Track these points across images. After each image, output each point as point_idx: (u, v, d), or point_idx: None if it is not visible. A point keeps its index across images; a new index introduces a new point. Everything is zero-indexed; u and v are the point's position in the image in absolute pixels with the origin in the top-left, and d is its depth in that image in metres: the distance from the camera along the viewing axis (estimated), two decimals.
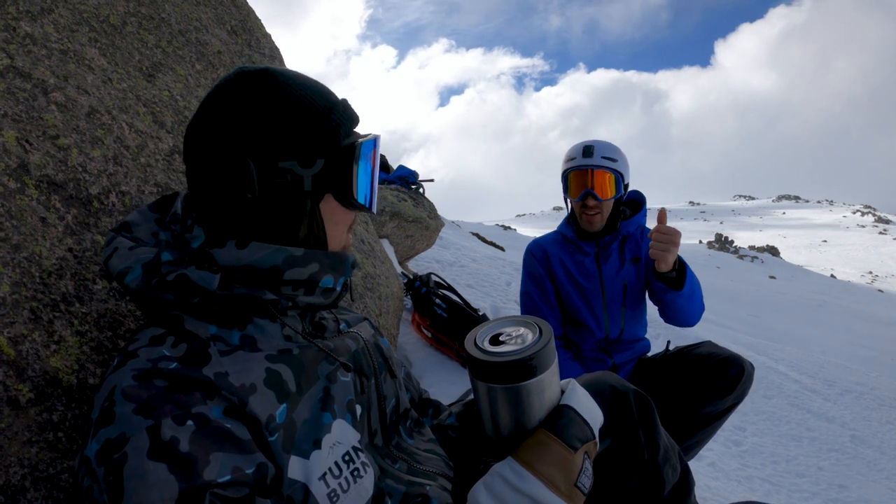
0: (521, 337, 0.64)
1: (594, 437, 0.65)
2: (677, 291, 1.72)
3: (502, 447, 0.64)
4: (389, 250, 3.91)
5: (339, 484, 0.64)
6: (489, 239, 11.14)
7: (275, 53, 2.25)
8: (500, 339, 0.65)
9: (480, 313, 2.58)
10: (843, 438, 3.85)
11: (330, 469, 0.64)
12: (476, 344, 0.64)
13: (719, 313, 12.83)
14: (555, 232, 2.05)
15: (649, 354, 2.02)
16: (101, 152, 1.09)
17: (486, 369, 0.62)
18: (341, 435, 0.68)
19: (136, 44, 1.50)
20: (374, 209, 0.79)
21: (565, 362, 1.82)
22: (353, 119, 0.74)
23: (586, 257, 1.93)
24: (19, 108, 1.04)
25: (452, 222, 11.47)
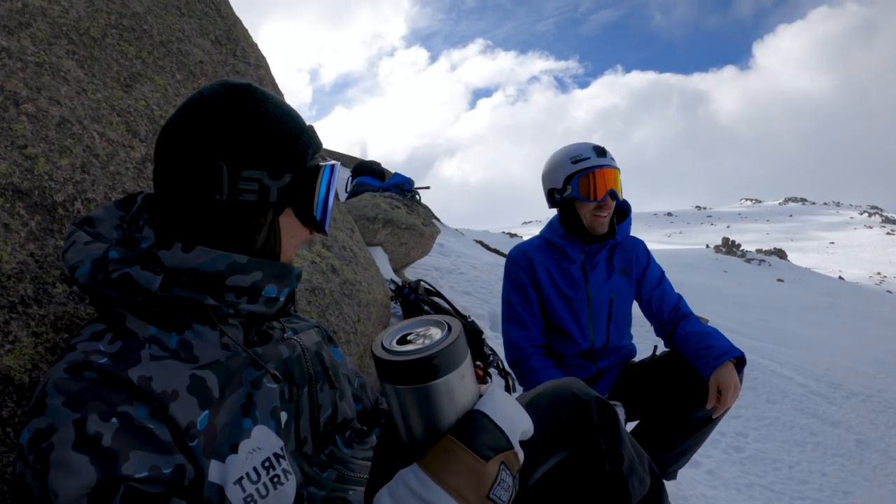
0: (429, 336, 0.60)
1: (511, 447, 0.59)
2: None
3: (415, 453, 0.61)
4: (384, 258, 3.90)
5: (257, 489, 0.65)
6: (493, 246, 11.12)
7: (261, 62, 2.26)
8: (408, 338, 0.61)
9: (469, 319, 2.56)
10: (849, 443, 3.78)
11: (247, 474, 0.65)
12: (382, 345, 0.60)
13: (727, 317, 12.72)
14: (538, 237, 1.99)
15: (636, 360, 1.97)
16: (68, 161, 1.10)
17: (390, 369, 0.58)
18: (262, 441, 0.68)
19: (116, 55, 1.51)
20: (327, 231, 0.83)
21: (547, 370, 1.77)
22: (318, 145, 0.80)
23: (572, 265, 1.87)
24: None
25: (456, 230, 11.45)
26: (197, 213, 0.70)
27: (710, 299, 16.52)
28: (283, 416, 0.74)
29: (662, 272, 1.94)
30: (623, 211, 1.95)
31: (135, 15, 1.67)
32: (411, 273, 4.96)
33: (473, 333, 2.42)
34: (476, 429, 0.58)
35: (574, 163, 1.80)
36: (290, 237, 0.77)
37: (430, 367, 0.56)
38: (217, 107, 0.71)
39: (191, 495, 0.60)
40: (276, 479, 0.67)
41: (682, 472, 2.66)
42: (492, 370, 2.49)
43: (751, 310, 16.92)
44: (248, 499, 0.64)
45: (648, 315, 1.91)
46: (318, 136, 0.79)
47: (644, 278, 1.89)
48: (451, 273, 5.64)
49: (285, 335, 0.83)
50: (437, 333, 0.60)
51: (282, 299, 0.76)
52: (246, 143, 0.70)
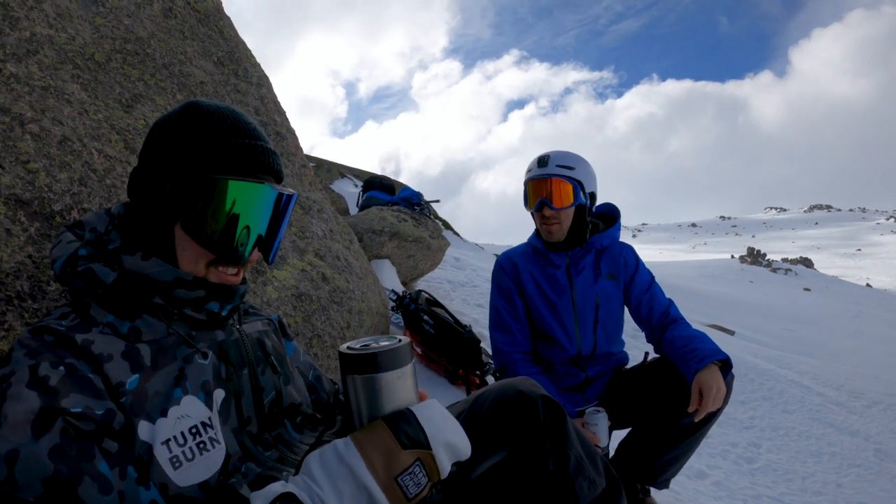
0: (383, 344, 0.73)
1: (428, 448, 0.67)
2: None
3: None
4: (391, 270, 3.96)
5: (183, 452, 0.72)
6: None
7: (262, 81, 2.36)
8: (368, 345, 0.74)
9: (468, 329, 2.59)
10: (867, 453, 3.68)
11: (175, 437, 0.72)
12: (348, 346, 0.74)
13: (753, 328, 12.45)
14: (525, 243, 2.00)
15: (628, 367, 1.95)
16: (67, 175, 1.18)
17: (346, 361, 0.72)
18: (190, 409, 0.75)
19: (119, 78, 1.61)
20: (238, 258, 0.81)
21: (534, 376, 1.76)
22: (240, 160, 0.79)
23: (557, 270, 1.88)
24: None
25: (475, 244, 11.46)
26: (136, 216, 0.81)
27: (736, 310, 16.20)
28: (220, 392, 0.80)
29: (652, 277, 1.94)
30: (611, 217, 1.96)
31: (139, 40, 1.77)
32: (423, 285, 5.00)
33: (471, 342, 2.45)
34: (402, 420, 0.68)
35: (526, 173, 1.88)
36: (181, 249, 0.79)
37: (374, 361, 0.70)
38: (153, 127, 0.83)
39: (121, 441, 0.68)
40: (202, 446, 0.74)
41: (685, 483, 2.63)
42: (489, 378, 2.51)
43: (777, 320, 16.53)
44: (174, 459, 0.71)
45: (638, 320, 1.90)
46: (243, 151, 0.79)
47: (633, 283, 1.89)
48: (465, 286, 5.67)
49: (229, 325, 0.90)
50: (387, 342, 0.74)
51: (223, 314, 0.84)
52: (150, 157, 0.80)
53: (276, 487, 0.63)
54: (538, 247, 1.92)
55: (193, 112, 0.81)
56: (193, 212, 0.77)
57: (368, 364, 0.70)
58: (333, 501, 0.62)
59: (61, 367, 0.67)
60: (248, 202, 0.79)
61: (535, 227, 1.98)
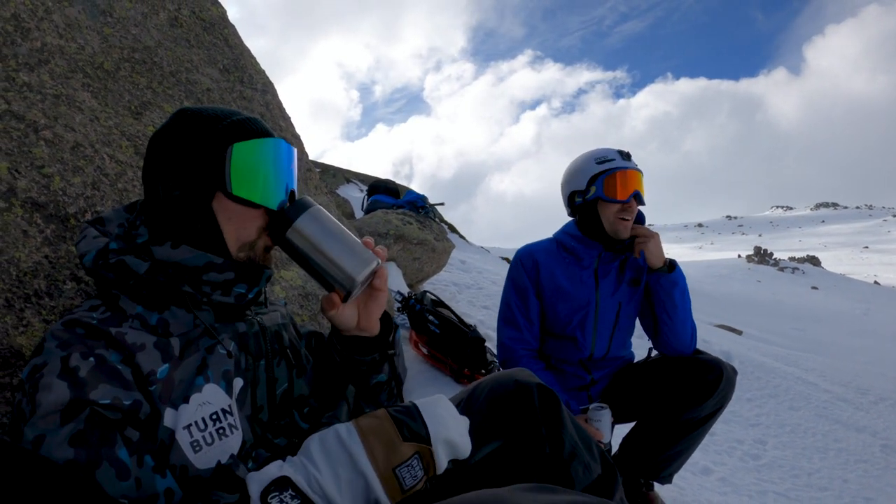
0: None
1: (429, 443, 0.71)
2: (668, 275, 1.75)
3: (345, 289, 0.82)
4: (397, 273, 4.00)
5: (203, 437, 0.76)
6: None
7: (267, 87, 2.40)
8: None
9: (473, 328, 2.61)
10: (874, 448, 3.67)
11: (196, 422, 0.76)
12: None
13: (761, 328, 12.40)
14: (549, 239, 1.93)
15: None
16: (80, 179, 1.22)
17: (276, 239, 0.85)
18: (212, 397, 0.79)
19: (128, 86, 1.65)
20: (276, 203, 0.86)
21: (537, 372, 1.74)
22: (244, 131, 0.86)
23: (584, 270, 1.83)
24: (12, 145, 1.18)
25: (481, 247, 11.48)
26: (159, 214, 0.85)
27: (743, 309, 16.13)
28: (238, 381, 0.84)
29: None
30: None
31: (146, 49, 1.82)
32: (428, 288, 5.03)
33: (476, 341, 2.47)
34: (406, 415, 0.72)
35: (599, 163, 1.78)
36: (227, 220, 0.84)
37: (285, 215, 0.83)
38: (156, 134, 0.88)
39: (145, 430, 0.72)
40: (221, 431, 0.78)
41: (690, 479, 2.64)
42: None
43: (785, 319, 16.45)
44: (195, 444, 0.75)
45: (645, 321, 1.88)
46: (243, 124, 0.86)
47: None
48: (470, 288, 5.70)
49: (249, 317, 0.92)
50: None
51: (250, 296, 0.88)
52: (165, 154, 0.85)
53: (273, 470, 0.66)
54: (569, 244, 1.85)
55: (184, 113, 0.88)
56: (221, 176, 0.82)
57: (283, 220, 0.82)
58: (331, 486, 0.65)
59: (91, 358, 0.70)
60: (265, 155, 0.86)
61: (565, 223, 1.94)
